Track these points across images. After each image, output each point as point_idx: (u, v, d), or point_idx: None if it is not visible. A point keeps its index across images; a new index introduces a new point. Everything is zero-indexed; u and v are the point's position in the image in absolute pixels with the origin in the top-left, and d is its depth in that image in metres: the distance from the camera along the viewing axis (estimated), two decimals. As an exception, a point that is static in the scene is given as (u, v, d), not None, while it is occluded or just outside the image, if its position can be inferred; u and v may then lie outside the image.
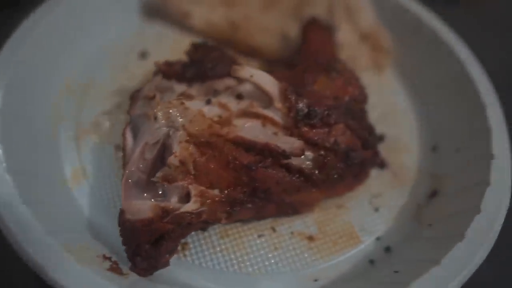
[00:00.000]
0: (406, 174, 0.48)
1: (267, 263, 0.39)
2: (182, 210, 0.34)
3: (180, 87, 0.43)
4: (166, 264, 0.37)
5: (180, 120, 0.37)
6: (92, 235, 0.38)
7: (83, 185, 0.42)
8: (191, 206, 0.35)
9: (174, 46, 0.55)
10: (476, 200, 0.39)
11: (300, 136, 0.39)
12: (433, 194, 0.46)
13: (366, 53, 0.59)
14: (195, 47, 0.46)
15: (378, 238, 0.43)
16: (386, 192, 0.46)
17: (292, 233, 0.42)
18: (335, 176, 0.40)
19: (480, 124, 0.46)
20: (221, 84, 0.42)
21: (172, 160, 0.35)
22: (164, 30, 0.58)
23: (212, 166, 0.36)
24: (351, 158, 0.41)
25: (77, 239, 0.35)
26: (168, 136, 0.37)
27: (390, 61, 0.59)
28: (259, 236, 0.41)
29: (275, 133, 0.38)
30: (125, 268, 0.35)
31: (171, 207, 0.35)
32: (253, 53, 0.57)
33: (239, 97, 0.40)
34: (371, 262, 0.41)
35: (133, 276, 0.35)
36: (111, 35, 0.54)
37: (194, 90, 0.43)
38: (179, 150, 0.35)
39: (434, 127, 0.52)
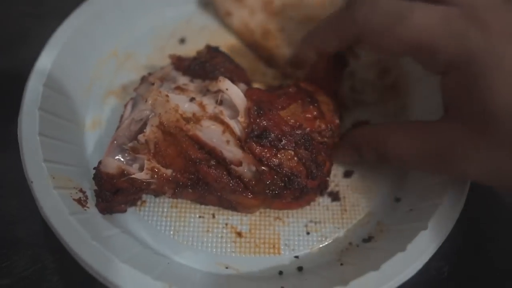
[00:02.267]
0: (354, 214, 0.51)
1: (196, 239, 0.48)
2: (135, 176, 0.44)
3: (183, 79, 0.52)
4: (123, 210, 0.49)
5: (160, 109, 0.46)
6: (82, 173, 0.50)
7: (95, 133, 0.55)
8: (142, 175, 0.45)
9: (210, 39, 0.64)
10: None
11: (249, 150, 0.45)
12: (369, 239, 0.49)
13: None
14: (207, 49, 0.54)
15: (296, 257, 0.48)
16: (325, 222, 0.50)
17: (226, 224, 0.49)
18: (270, 192, 0.46)
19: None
20: (214, 86, 0.50)
21: (140, 137, 0.45)
22: (207, 23, 0.66)
23: (169, 151, 0.45)
24: (291, 182, 0.46)
25: (67, 171, 0.48)
26: (148, 118, 0.47)
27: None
28: (200, 216, 0.50)
29: (228, 141, 0.45)
30: (92, 203, 0.47)
31: (129, 171, 0.45)
32: (272, 63, 0.63)
33: (219, 102, 0.48)
34: (280, 273, 0.47)
35: (93, 211, 0.47)
36: (163, 18, 0.65)
37: (192, 85, 0.52)
38: (148, 131, 0.45)
39: (406, 181, 0.53)
